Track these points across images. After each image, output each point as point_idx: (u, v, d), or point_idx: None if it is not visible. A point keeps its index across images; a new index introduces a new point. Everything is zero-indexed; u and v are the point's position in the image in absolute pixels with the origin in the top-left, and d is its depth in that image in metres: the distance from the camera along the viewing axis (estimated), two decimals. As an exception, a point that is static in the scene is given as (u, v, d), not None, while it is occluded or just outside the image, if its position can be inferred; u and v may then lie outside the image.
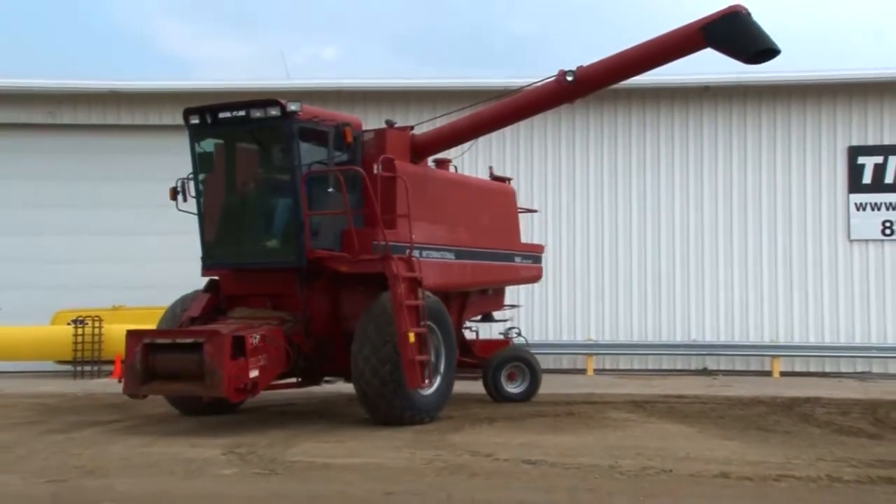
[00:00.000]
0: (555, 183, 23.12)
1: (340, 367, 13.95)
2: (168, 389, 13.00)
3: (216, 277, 14.52)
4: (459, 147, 16.08)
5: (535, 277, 18.76)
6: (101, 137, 22.72)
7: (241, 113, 13.26)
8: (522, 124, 22.55)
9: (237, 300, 14.17)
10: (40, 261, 22.37)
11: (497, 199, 17.42)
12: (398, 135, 14.75)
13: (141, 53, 69.28)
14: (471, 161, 22.86)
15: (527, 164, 23.19)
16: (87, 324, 19.88)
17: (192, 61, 75.12)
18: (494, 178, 17.99)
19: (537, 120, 22.60)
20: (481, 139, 22.14)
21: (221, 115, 13.40)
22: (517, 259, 17.61)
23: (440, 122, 16.39)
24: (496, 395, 16.40)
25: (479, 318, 18.19)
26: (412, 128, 15.42)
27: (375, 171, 13.70)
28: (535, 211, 19.97)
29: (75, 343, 20.08)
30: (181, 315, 14.12)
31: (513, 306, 18.90)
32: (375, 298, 13.74)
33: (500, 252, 16.93)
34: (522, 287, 22.64)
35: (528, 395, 16.49)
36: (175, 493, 8.89)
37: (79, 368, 20.23)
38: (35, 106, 23.17)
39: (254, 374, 12.29)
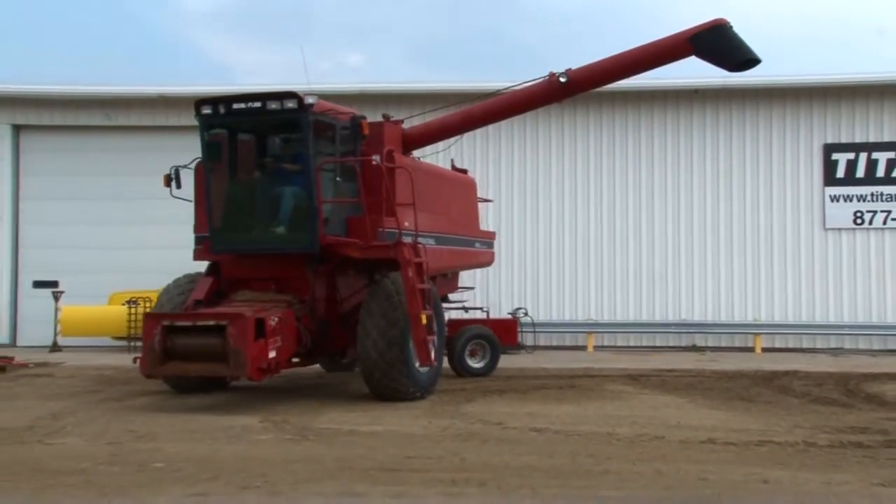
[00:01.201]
0: (559, 179, 23.03)
1: (338, 346, 13.86)
2: (187, 369, 12.14)
3: (214, 262, 13.93)
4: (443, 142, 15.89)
5: (489, 262, 18.53)
6: (151, 137, 22.74)
7: (257, 104, 12.70)
8: (528, 123, 22.73)
9: (239, 283, 13.49)
10: (98, 248, 22.47)
11: (464, 189, 17.19)
12: (392, 128, 14.36)
13: (189, 62, 69.68)
14: (482, 152, 22.93)
15: (533, 162, 23.09)
16: (139, 304, 19.89)
17: (234, 68, 75.29)
18: (455, 169, 17.63)
19: (540, 118, 22.73)
20: (493, 135, 22.27)
21: (236, 106, 12.82)
22: (477, 244, 17.40)
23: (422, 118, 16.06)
24: (459, 370, 16.07)
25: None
26: (402, 121, 14.92)
27: (375, 163, 13.20)
28: (490, 201, 19.58)
29: (129, 321, 20.06)
30: (178, 298, 13.60)
31: (467, 288, 18.55)
32: (367, 281, 13.69)
33: (468, 238, 16.78)
34: (530, 271, 22.69)
35: (488, 370, 16.36)
36: (217, 456, 8.89)
37: (132, 344, 20.27)
38: (94, 109, 23.22)
39: (272, 354, 11.87)
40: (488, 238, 18.27)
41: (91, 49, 66.29)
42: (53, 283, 21.88)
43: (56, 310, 21.20)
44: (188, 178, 14.03)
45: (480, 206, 18.49)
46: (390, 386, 12.62)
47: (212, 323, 11.71)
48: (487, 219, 22.67)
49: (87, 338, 21.07)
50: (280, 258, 13.30)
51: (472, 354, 16.36)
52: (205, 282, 13.59)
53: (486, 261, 18.27)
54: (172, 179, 13.84)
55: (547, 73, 14.18)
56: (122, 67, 65.44)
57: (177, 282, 14.15)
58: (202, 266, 14.15)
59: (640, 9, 70.95)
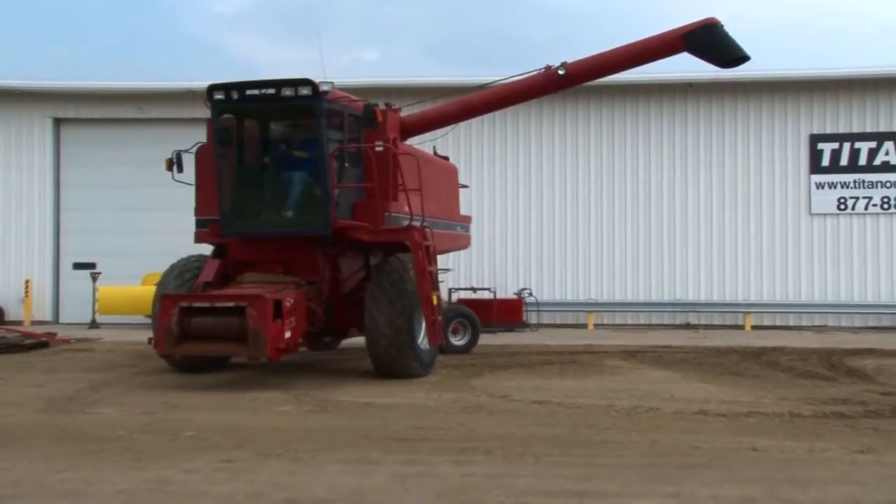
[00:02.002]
0: (561, 169, 22.93)
1: (341, 326, 13.49)
2: (204, 350, 11.72)
3: (220, 244, 13.40)
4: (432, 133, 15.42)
5: (467, 245, 18.16)
6: (181, 129, 22.57)
7: (271, 91, 12.18)
8: (533, 115, 22.67)
9: (246, 265, 12.93)
10: (133, 232, 22.47)
11: (448, 175, 16.83)
12: (393, 115, 13.80)
13: (216, 59, 69.66)
14: (489, 142, 22.88)
15: (537, 152, 23.00)
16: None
17: (257, 65, 75.16)
18: (437, 156, 17.06)
19: (545, 111, 22.69)
20: (500, 126, 22.21)
21: (249, 92, 12.28)
22: (459, 228, 17.04)
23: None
24: (443, 346, 15.07)
25: None
26: (400, 109, 14.30)
27: (385, 149, 12.87)
28: (466, 186, 18.90)
29: (161, 301, 20.05)
30: (186, 275, 13.13)
31: (445, 270, 17.64)
32: (363, 264, 13.58)
33: (453, 222, 16.46)
34: (534, 254, 22.67)
35: (469, 347, 16.24)
36: (243, 426, 8.94)
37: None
38: (128, 103, 23.20)
39: (287, 334, 11.40)
40: (466, 222, 17.96)
41: (125, 47, 66.25)
42: (91, 265, 21.96)
43: (94, 290, 21.27)
44: (191, 176, 13.66)
45: (465, 191, 18.38)
46: (398, 364, 12.35)
47: (231, 304, 11.33)
48: (495, 206, 22.74)
49: (122, 316, 21.08)
50: (288, 241, 12.89)
51: (455, 332, 16.24)
52: (212, 264, 13.09)
53: (465, 244, 17.98)
54: (174, 164, 13.42)
55: (543, 66, 13.94)
56: (154, 64, 65.48)
57: (181, 264, 13.54)
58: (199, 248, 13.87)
59: (639, 8, 70.52)
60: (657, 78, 21.74)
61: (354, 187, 12.97)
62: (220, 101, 12.39)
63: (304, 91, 12.07)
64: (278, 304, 11.26)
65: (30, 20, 70.59)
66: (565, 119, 22.94)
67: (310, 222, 12.62)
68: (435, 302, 12.45)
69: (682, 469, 6.98)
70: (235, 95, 12.30)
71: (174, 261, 13.70)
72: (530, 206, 22.86)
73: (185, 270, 13.21)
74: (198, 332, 11.35)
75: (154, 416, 9.58)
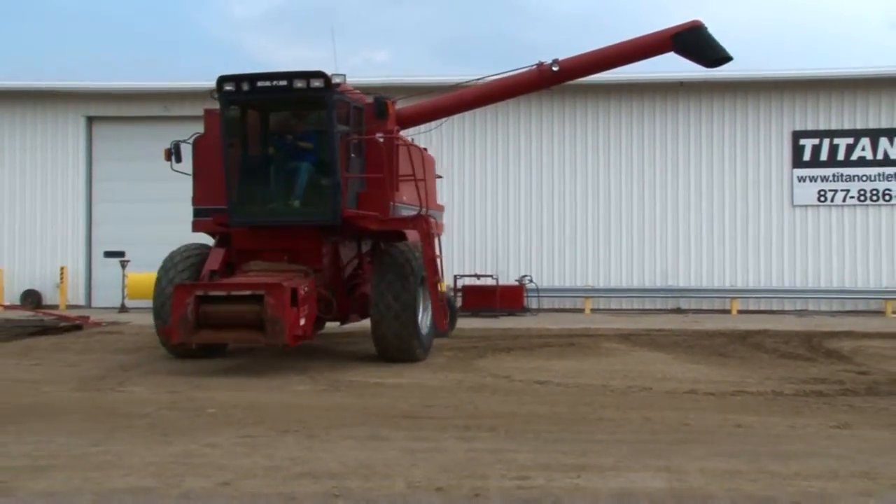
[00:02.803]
0: (560, 163, 22.89)
1: (343, 312, 12.86)
2: (220, 338, 11.33)
3: (224, 233, 12.72)
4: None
5: (442, 232, 16.76)
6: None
7: (283, 83, 11.56)
8: (533, 113, 22.62)
9: (251, 254, 12.34)
10: (159, 222, 22.34)
11: (430, 165, 15.86)
12: (391, 108, 13.02)
13: (235, 59, 69.85)
14: (492, 138, 22.85)
15: (538, 148, 22.96)
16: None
17: (274, 65, 75.12)
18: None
19: (544, 109, 22.67)
20: (502, 123, 22.15)
21: (260, 83, 11.64)
22: (440, 217, 16.20)
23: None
24: None
25: None
26: (396, 101, 13.53)
27: (380, 140, 12.28)
28: (440, 177, 17.68)
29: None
30: (186, 262, 12.51)
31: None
32: (357, 251, 13.19)
33: (438, 211, 15.82)
34: (535, 243, 22.65)
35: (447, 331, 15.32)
36: (262, 404, 8.93)
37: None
38: (154, 102, 23.18)
39: (302, 321, 11.02)
40: (442, 210, 17.12)
41: (152, 50, 66.31)
42: (121, 254, 22.00)
43: (123, 276, 21.29)
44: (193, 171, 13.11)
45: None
46: (403, 349, 11.99)
47: (248, 293, 10.84)
48: (497, 197, 22.70)
49: (149, 301, 21.09)
50: (293, 230, 12.27)
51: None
52: (217, 253, 12.52)
53: (441, 232, 16.69)
54: (172, 154, 12.92)
55: (535, 63, 13.59)
56: (178, 65, 65.60)
57: (181, 252, 12.87)
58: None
59: (634, 10, 70.28)
60: (650, 77, 21.74)
61: (365, 178, 12.50)
62: (229, 92, 11.80)
63: (317, 83, 11.53)
64: (294, 292, 10.89)
65: (65, 25, 70.74)
66: (564, 116, 22.90)
67: (320, 212, 12.05)
68: (442, 289, 12.22)
69: (673, 444, 6.97)
70: (246, 87, 11.71)
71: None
72: (531, 198, 22.83)
73: (185, 258, 12.62)
74: (214, 321, 10.88)
75: (179, 394, 9.59)
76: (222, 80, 11.78)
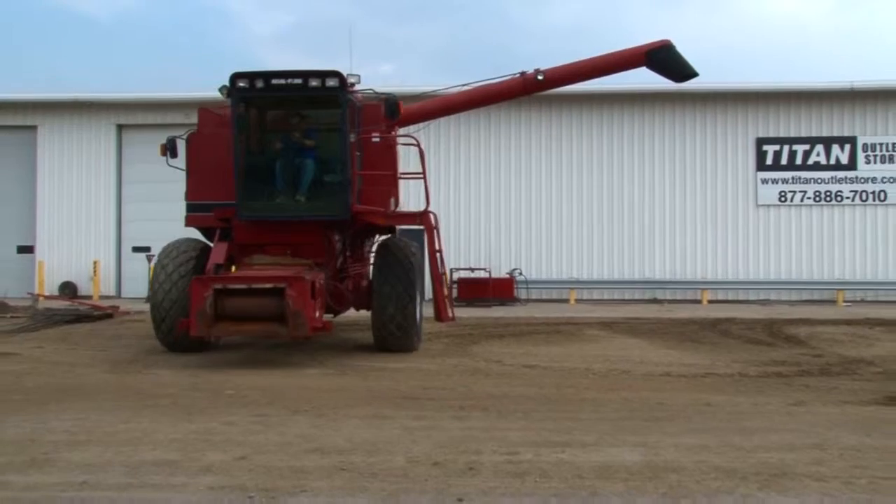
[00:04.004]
0: (548, 167, 22.80)
1: (342, 304, 12.10)
2: (238, 330, 10.49)
3: (226, 227, 11.74)
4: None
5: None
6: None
7: (298, 81, 10.79)
8: (523, 121, 22.58)
9: (253, 248, 11.48)
10: (179, 220, 22.05)
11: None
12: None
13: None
14: (485, 143, 22.80)
15: (527, 153, 22.92)
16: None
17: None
18: None
19: (533, 117, 22.61)
20: (494, 130, 22.07)
21: (275, 81, 10.84)
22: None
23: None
24: None
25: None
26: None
27: (375, 139, 11.66)
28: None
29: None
30: (183, 257, 11.51)
31: None
32: (344, 246, 12.31)
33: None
34: (524, 239, 22.63)
35: None
36: (275, 386, 8.90)
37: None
38: (178, 111, 23.02)
39: (317, 313, 10.38)
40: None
41: (178, 63, 66.18)
42: (147, 249, 21.85)
43: (149, 269, 21.19)
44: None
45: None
46: (403, 341, 11.41)
47: (269, 285, 10.08)
48: (490, 199, 22.66)
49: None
50: (298, 224, 11.41)
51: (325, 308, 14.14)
52: (220, 247, 11.47)
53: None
54: (168, 149, 12.04)
55: (518, 72, 13.13)
56: (202, 78, 65.49)
57: (177, 246, 11.87)
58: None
59: (613, 27, 70.31)
60: (629, 88, 21.65)
61: (376, 175, 11.76)
62: (243, 88, 10.92)
63: (332, 82, 10.79)
64: (312, 285, 10.26)
65: (100, 41, 70.61)
66: (551, 124, 22.84)
67: (330, 207, 11.29)
68: (447, 282, 11.82)
69: (649, 422, 6.97)
70: (260, 84, 10.88)
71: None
72: (521, 198, 22.79)
73: (181, 253, 11.61)
74: (232, 314, 10.07)
75: (199, 377, 9.56)
76: (236, 76, 10.93)
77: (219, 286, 10.09)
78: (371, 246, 13.55)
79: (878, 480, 5.22)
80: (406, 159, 13.45)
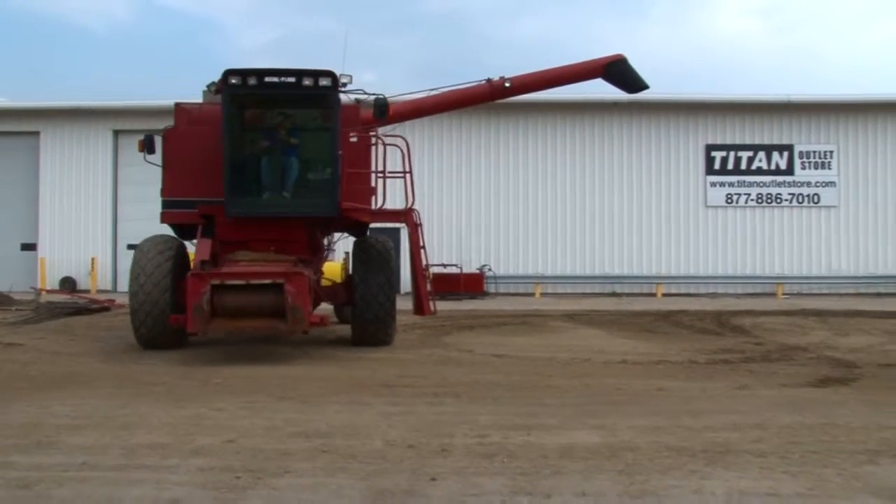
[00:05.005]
0: (515, 171, 23.03)
1: (317, 298, 11.21)
2: (236, 326, 9.64)
3: (208, 224, 10.88)
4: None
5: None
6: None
7: (291, 80, 10.11)
8: (492, 129, 22.61)
9: (236, 245, 10.66)
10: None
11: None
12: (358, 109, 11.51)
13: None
14: (457, 149, 22.80)
15: (495, 158, 23.02)
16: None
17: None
18: None
19: (501, 127, 22.72)
20: (465, 137, 22.07)
21: (268, 79, 10.14)
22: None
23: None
24: (341, 317, 13.27)
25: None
26: (359, 102, 11.50)
27: (353, 140, 10.92)
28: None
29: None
30: (160, 258, 10.57)
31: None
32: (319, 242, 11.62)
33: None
34: (493, 237, 22.67)
35: None
36: (262, 375, 8.75)
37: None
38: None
39: (310, 309, 9.91)
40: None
41: (171, 73, 65.53)
42: (142, 246, 21.70)
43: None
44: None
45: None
46: (381, 335, 10.92)
47: (268, 281, 9.48)
48: (461, 200, 22.67)
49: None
50: (282, 221, 10.78)
51: (318, 304, 12.65)
52: (205, 243, 10.55)
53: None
54: (146, 146, 11.15)
55: (485, 79, 12.85)
56: (194, 86, 64.84)
57: (156, 243, 10.97)
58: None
59: (580, 41, 70.66)
60: (590, 98, 21.75)
61: (361, 173, 11.11)
62: (235, 85, 10.14)
63: (325, 82, 10.17)
64: (308, 281, 9.74)
65: (98, 51, 69.69)
66: (518, 130, 22.99)
67: (320, 205, 10.69)
68: (430, 277, 11.37)
69: (608, 406, 6.98)
70: (253, 81, 10.16)
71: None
72: (490, 199, 22.92)
73: (159, 252, 10.68)
74: (229, 310, 9.41)
75: (190, 366, 9.42)
76: (229, 73, 10.14)
77: (216, 282, 9.43)
78: (332, 243, 13.20)
79: (808, 454, 5.31)
80: (385, 159, 12.99)
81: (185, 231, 11.56)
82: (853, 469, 4.99)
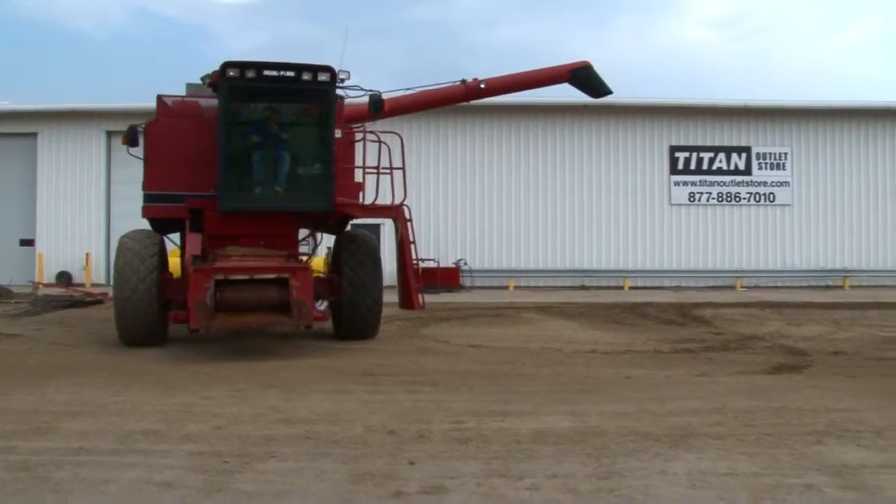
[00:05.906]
0: (489, 169, 22.91)
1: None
2: (240, 322, 9.12)
3: (197, 218, 10.19)
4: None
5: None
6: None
7: (290, 74, 9.53)
8: (468, 130, 22.59)
9: (225, 239, 10.04)
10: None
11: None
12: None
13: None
14: (435, 151, 22.73)
15: (471, 158, 22.97)
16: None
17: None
18: None
19: (477, 128, 22.68)
20: (442, 138, 21.98)
21: (266, 73, 9.51)
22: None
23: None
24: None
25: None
26: (343, 99, 10.83)
27: (337, 135, 10.27)
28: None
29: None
30: (147, 252, 9.91)
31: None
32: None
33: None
34: (468, 233, 22.67)
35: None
36: (249, 365, 8.72)
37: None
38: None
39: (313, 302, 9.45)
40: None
41: (162, 76, 64.84)
42: (135, 243, 21.45)
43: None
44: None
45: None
46: (369, 329, 10.64)
47: (272, 276, 9.02)
48: (438, 197, 22.64)
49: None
50: (272, 216, 10.26)
51: (316, 298, 12.19)
52: (195, 238, 10.03)
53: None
54: (129, 139, 10.57)
55: (460, 80, 12.65)
56: (182, 89, 64.12)
57: (141, 238, 10.34)
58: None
59: (553, 48, 70.79)
60: (561, 101, 21.63)
61: (351, 168, 10.72)
62: (233, 78, 9.47)
63: (323, 77, 9.64)
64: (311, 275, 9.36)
65: (92, 55, 68.79)
66: (493, 131, 22.94)
67: (315, 199, 10.15)
68: (420, 271, 11.14)
69: (578, 393, 7.02)
70: (251, 74, 9.49)
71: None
72: (465, 196, 22.85)
73: (146, 248, 10.02)
74: (233, 305, 8.90)
75: (181, 356, 9.35)
76: (227, 65, 9.46)
77: (220, 277, 8.89)
78: (319, 239, 12.93)
79: (763, 436, 5.40)
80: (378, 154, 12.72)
81: (163, 226, 10.97)
82: (803, 449, 5.08)
